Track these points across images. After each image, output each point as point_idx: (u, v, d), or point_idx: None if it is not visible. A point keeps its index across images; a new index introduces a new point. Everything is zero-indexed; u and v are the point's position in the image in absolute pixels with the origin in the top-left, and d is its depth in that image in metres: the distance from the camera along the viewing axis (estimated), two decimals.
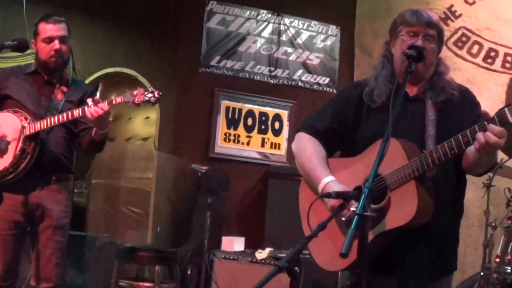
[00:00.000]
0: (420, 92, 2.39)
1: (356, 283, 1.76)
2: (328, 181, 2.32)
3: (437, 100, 2.34)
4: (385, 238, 2.20)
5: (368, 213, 1.76)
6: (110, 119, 7.37)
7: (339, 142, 2.50)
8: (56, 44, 3.30)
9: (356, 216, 1.76)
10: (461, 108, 2.33)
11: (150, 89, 3.19)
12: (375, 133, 2.27)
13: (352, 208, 1.81)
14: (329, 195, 2.04)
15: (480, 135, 1.96)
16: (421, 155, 2.14)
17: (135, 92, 3.17)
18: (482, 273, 4.70)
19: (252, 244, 5.26)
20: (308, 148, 2.47)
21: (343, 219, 1.80)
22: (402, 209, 2.14)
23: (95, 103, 3.10)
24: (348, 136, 2.46)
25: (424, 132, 2.28)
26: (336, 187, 2.27)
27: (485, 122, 1.96)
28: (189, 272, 5.07)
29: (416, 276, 2.31)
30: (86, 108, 3.13)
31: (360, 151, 2.36)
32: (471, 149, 2.09)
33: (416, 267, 2.29)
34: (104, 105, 3.09)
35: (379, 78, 2.41)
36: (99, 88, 6.70)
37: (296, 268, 1.68)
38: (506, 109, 1.91)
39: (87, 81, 5.97)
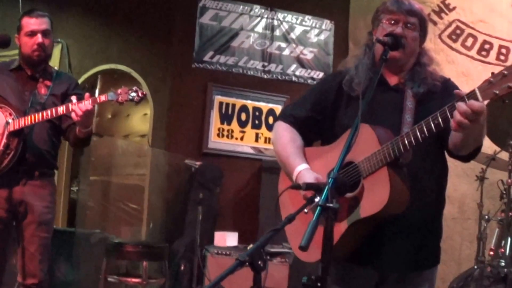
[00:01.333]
0: (400, 82, 2.35)
1: (321, 277, 1.72)
2: (301, 170, 2.28)
3: (417, 91, 2.29)
4: (360, 228, 2.14)
5: (331, 205, 1.71)
6: (109, 116, 7.37)
7: (318, 131, 2.46)
8: (39, 37, 3.30)
9: (318, 208, 1.72)
10: (442, 97, 2.24)
11: (134, 88, 3.17)
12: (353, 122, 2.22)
13: (316, 199, 1.77)
14: (298, 186, 2.00)
15: (455, 113, 1.89)
16: (393, 140, 2.07)
17: (119, 91, 3.16)
18: (475, 267, 4.66)
19: (246, 239, 5.24)
20: (284, 137, 2.44)
21: (305, 211, 1.76)
22: (375, 196, 2.07)
23: (79, 100, 3.10)
24: (328, 125, 2.42)
25: (401, 120, 2.23)
26: (309, 176, 2.23)
27: (455, 104, 1.89)
28: (182, 267, 5.05)
29: (395, 268, 2.26)
30: (70, 105, 3.12)
31: None
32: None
33: (395, 258, 2.23)
34: (88, 103, 3.07)
35: (360, 67, 2.37)
36: (98, 86, 6.71)
37: (259, 262, 1.64)
38: (476, 89, 1.87)
39: (83, 78, 6.00)
